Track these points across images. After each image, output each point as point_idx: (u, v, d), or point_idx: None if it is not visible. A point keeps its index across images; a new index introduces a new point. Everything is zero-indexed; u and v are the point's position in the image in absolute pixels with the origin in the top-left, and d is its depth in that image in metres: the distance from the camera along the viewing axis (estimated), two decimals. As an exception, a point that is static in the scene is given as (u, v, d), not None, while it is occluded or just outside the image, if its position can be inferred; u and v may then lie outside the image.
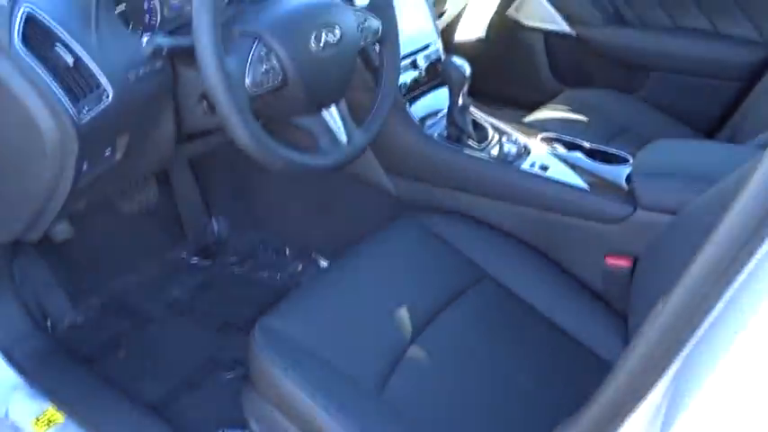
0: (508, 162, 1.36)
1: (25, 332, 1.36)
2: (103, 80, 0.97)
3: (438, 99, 1.53)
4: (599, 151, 1.41)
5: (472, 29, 2.21)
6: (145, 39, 0.95)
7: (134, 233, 1.70)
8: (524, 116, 1.88)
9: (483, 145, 1.41)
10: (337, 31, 1.04)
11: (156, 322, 1.58)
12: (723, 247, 0.54)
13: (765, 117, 1.62)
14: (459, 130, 1.42)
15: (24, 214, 1.09)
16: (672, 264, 1.01)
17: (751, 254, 0.53)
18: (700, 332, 0.55)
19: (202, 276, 1.74)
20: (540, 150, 1.40)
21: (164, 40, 0.96)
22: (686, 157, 1.25)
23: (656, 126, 1.86)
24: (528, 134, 1.47)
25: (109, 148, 1.07)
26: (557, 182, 1.30)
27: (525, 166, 1.35)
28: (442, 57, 1.56)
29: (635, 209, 1.21)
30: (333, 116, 1.11)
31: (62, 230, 1.31)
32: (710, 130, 1.99)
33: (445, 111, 1.45)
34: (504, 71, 2.40)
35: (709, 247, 0.56)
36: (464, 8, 2.07)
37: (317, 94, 1.06)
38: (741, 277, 0.54)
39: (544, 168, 1.34)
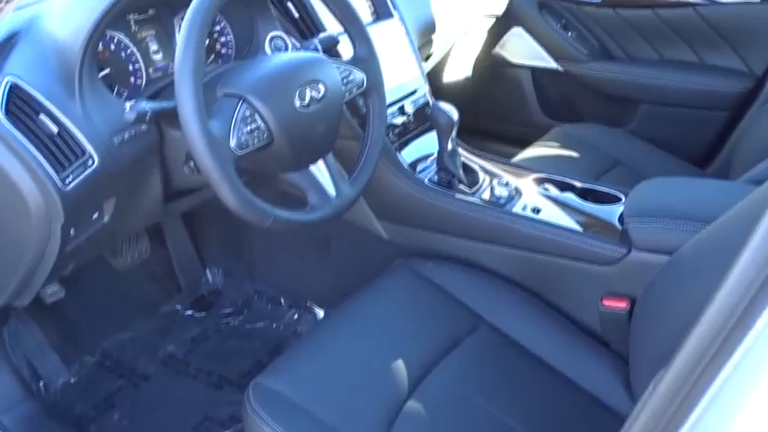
0: (500, 205, 1.35)
1: (16, 398, 1.34)
2: (88, 146, 0.97)
3: (428, 143, 1.53)
4: (591, 190, 1.40)
5: (460, 68, 2.22)
6: (128, 105, 0.95)
7: (127, 288, 1.68)
8: (515, 152, 1.89)
9: (474, 189, 1.41)
10: (321, 87, 1.04)
11: (150, 380, 1.56)
12: (715, 328, 0.53)
13: (755, 148, 1.61)
14: (449, 174, 1.42)
15: (12, 281, 1.08)
16: (669, 307, 1.00)
17: (747, 329, 0.51)
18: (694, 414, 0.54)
19: (197, 329, 1.72)
20: (531, 192, 1.40)
21: (147, 105, 0.96)
22: (678, 196, 1.24)
23: (648, 159, 1.86)
24: (519, 175, 1.47)
25: (96, 213, 1.07)
26: (550, 224, 1.29)
27: (517, 209, 1.34)
28: (430, 101, 1.57)
29: (629, 250, 1.20)
30: (320, 170, 1.10)
31: (53, 292, 1.30)
32: (701, 160, 1.99)
33: (436, 154, 1.45)
34: (494, 108, 2.41)
35: (699, 328, 0.54)
36: (451, 49, 2.09)
37: (304, 151, 1.06)
38: (734, 359, 0.52)
39: (536, 211, 1.33)
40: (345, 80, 1.12)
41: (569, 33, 2.17)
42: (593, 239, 1.24)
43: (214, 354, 1.65)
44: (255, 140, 0.97)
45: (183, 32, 0.90)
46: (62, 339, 1.51)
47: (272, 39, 1.27)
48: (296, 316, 1.73)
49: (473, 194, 1.39)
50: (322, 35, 1.25)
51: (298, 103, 1.01)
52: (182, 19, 0.96)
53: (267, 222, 0.98)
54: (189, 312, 1.77)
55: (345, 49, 1.27)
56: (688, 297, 0.95)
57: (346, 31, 1.16)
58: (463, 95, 2.29)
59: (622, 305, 1.21)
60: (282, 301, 1.76)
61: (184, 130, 0.90)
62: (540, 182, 1.45)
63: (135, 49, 1.14)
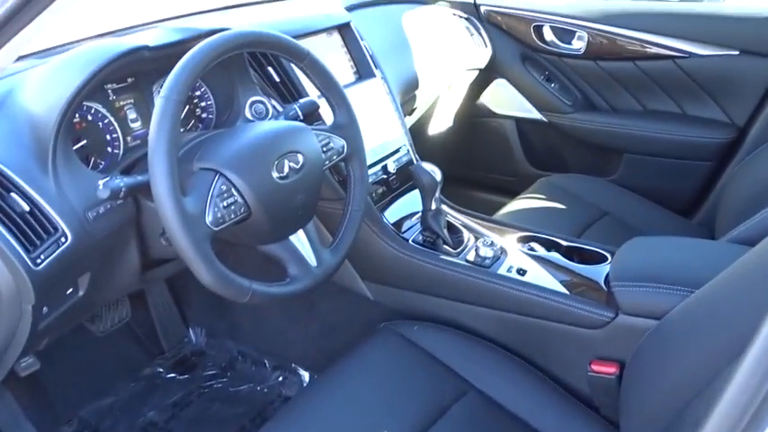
0: (485, 267, 1.34)
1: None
2: (61, 223, 0.94)
3: (412, 201, 1.51)
4: (577, 249, 1.39)
5: (444, 121, 2.23)
6: (101, 183, 0.92)
7: (107, 352, 1.64)
8: (502, 202, 1.88)
9: (459, 249, 1.39)
10: (299, 157, 1.02)
11: (130, 450, 1.51)
12: None
13: (740, 199, 1.61)
14: (434, 234, 1.40)
15: (-17, 360, 1.05)
16: (660, 373, 0.98)
17: None
18: None
19: (180, 393, 1.67)
20: (516, 252, 1.38)
21: (121, 182, 0.94)
22: (664, 259, 1.23)
23: (633, 209, 1.86)
24: (504, 233, 1.45)
25: (71, 288, 1.04)
26: (536, 287, 1.27)
27: (503, 270, 1.33)
28: (414, 159, 1.56)
29: (616, 314, 1.18)
30: (300, 240, 1.08)
31: (27, 365, 1.26)
32: (686, 210, 1.99)
33: (420, 213, 1.44)
34: (480, 158, 2.42)
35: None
36: (435, 102, 2.10)
37: (283, 223, 1.04)
38: None
39: (522, 272, 1.32)
40: (325, 147, 1.11)
41: (552, 85, 2.18)
42: (580, 303, 1.22)
43: (196, 420, 1.60)
44: (232, 215, 0.95)
45: (157, 110, 0.89)
46: (38, 410, 1.46)
47: (252, 103, 1.26)
48: (280, 378, 1.69)
49: (458, 255, 1.38)
50: (302, 100, 1.24)
51: (276, 174, 0.99)
52: (161, 86, 0.95)
53: (245, 298, 0.96)
54: (171, 375, 1.73)
55: (327, 112, 1.27)
56: (679, 363, 0.93)
57: (325, 97, 1.16)
58: (449, 147, 2.30)
59: (611, 370, 1.19)
60: (266, 363, 1.72)
61: (158, 207, 0.88)
62: (525, 240, 1.43)
63: (112, 119, 1.12)
